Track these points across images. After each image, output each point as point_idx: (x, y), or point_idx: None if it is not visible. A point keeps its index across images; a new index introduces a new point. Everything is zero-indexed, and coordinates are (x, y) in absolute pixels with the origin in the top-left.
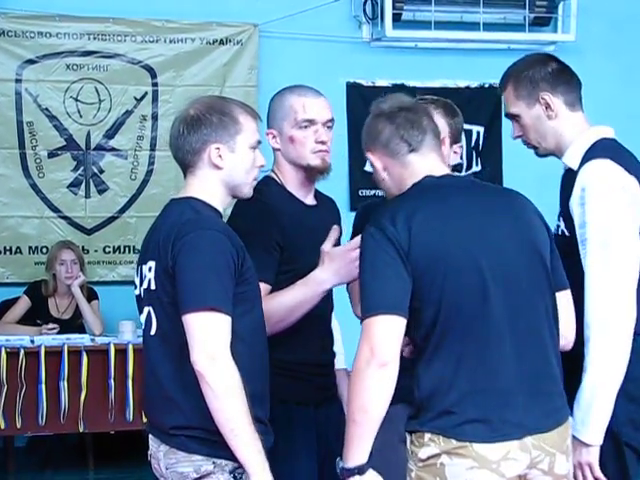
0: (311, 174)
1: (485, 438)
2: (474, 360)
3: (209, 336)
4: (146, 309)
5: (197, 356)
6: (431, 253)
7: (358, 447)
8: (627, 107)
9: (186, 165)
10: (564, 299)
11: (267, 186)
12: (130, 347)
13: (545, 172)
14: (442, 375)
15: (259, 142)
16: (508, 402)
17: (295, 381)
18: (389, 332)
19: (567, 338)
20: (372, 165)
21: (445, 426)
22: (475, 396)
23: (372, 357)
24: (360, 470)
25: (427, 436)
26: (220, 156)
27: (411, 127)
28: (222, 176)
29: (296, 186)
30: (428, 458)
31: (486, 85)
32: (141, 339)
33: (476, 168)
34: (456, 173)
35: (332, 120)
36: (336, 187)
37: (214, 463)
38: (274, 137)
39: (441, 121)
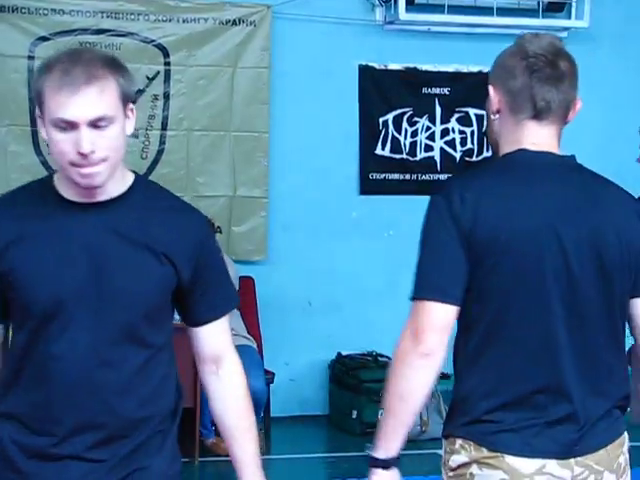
0: None
1: (519, 450)
2: (519, 366)
3: None
4: None
5: None
6: (493, 242)
7: (390, 438)
8: (638, 95)
9: None
10: None
11: None
12: None
13: None
14: (483, 377)
15: (66, 122)
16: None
17: None
18: (438, 320)
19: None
20: (490, 97)
21: (478, 432)
22: (515, 405)
23: (415, 344)
24: (386, 464)
25: (458, 442)
26: (44, 129)
27: (548, 87)
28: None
29: None
30: (458, 467)
31: None
32: None
33: (487, 154)
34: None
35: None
36: (347, 170)
37: None
38: None
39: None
